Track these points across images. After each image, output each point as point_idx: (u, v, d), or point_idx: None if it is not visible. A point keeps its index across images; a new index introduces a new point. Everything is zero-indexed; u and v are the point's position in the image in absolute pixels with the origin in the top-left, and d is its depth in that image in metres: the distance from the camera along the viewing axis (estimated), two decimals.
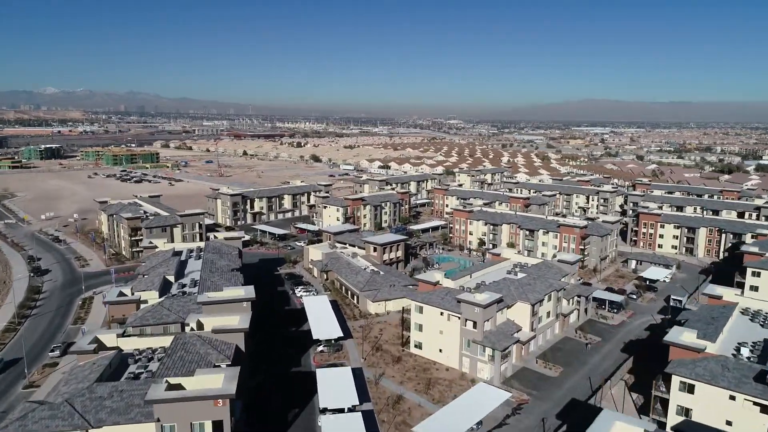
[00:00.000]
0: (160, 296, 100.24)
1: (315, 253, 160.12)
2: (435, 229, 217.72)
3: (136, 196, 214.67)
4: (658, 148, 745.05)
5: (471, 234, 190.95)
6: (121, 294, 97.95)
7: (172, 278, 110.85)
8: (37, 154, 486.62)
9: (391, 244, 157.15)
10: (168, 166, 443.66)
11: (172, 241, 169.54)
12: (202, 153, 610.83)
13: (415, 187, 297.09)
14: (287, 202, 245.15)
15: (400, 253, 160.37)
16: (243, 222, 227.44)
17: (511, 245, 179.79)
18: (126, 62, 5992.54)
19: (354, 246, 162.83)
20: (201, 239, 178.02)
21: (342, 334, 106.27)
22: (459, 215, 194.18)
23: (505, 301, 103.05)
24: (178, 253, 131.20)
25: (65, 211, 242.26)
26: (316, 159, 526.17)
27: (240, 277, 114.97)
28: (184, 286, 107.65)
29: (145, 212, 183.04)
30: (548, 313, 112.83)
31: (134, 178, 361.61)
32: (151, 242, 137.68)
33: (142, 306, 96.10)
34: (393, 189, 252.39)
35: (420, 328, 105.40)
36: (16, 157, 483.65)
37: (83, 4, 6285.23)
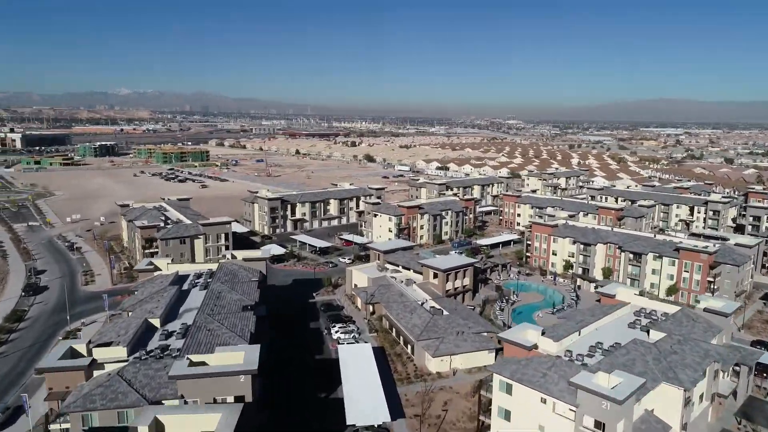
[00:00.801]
0: (130, 353, 69.02)
1: (360, 276, 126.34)
2: (506, 244, 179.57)
3: (164, 199, 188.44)
4: (747, 151, 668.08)
5: (555, 254, 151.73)
6: (71, 353, 66.94)
7: (157, 321, 79.58)
8: (91, 151, 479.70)
9: (455, 270, 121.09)
10: (217, 165, 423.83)
11: (192, 256, 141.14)
12: (254, 152, 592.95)
13: (479, 192, 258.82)
14: (333, 207, 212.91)
15: (467, 281, 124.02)
16: (282, 230, 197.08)
17: (607, 272, 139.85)
18: (193, 64, 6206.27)
19: (409, 269, 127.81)
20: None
21: (389, 418, 71.57)
22: (539, 230, 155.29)
23: (646, 385, 65.16)
24: (181, 279, 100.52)
25: (95, 213, 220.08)
26: (369, 159, 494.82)
27: (251, 321, 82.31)
28: (169, 335, 76.03)
29: (166, 219, 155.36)
30: (701, 396, 73.92)
31: (179, 177, 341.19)
32: (151, 263, 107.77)
33: (97, 374, 64.86)
34: (455, 195, 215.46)
35: (506, 415, 69.25)
36: (72, 155, 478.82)
37: (155, 10, 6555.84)
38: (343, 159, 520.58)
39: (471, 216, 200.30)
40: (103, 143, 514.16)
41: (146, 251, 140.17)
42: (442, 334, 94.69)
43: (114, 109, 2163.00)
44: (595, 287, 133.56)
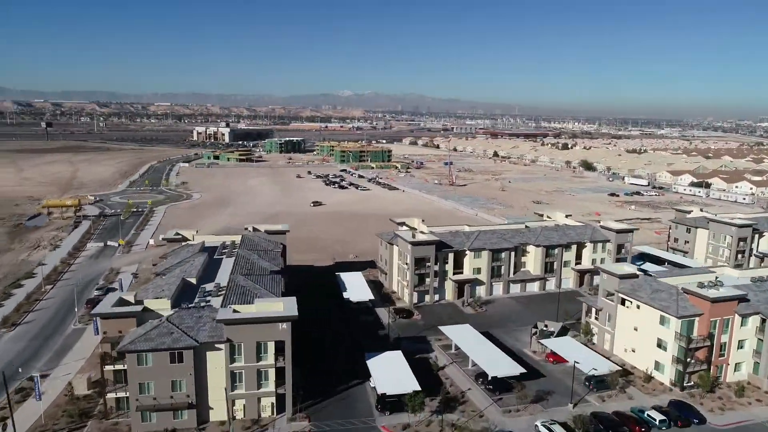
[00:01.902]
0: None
1: None
2: None
3: (248, 229, 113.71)
4: None
5: None
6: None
7: None
8: (277, 147, 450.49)
9: None
10: (396, 167, 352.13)
11: (199, 394, 60.62)
12: (446, 152, 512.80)
13: None
14: (532, 261, 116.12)
15: None
16: (436, 297, 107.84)
17: None
18: (406, 67, 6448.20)
19: None
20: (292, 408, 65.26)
21: None
22: None
23: None
24: None
25: (204, 231, 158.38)
26: (587, 166, 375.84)
27: None
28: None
29: (198, 283, 78.06)
30: None
31: (342, 183, 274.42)
32: None
33: None
34: None
35: None
36: (258, 150, 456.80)
37: (368, 20, 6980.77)
38: (552, 165, 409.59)
39: None
40: (290, 139, 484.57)
41: (107, 365, 63.36)
42: None
43: (336, 109, 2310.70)
44: None
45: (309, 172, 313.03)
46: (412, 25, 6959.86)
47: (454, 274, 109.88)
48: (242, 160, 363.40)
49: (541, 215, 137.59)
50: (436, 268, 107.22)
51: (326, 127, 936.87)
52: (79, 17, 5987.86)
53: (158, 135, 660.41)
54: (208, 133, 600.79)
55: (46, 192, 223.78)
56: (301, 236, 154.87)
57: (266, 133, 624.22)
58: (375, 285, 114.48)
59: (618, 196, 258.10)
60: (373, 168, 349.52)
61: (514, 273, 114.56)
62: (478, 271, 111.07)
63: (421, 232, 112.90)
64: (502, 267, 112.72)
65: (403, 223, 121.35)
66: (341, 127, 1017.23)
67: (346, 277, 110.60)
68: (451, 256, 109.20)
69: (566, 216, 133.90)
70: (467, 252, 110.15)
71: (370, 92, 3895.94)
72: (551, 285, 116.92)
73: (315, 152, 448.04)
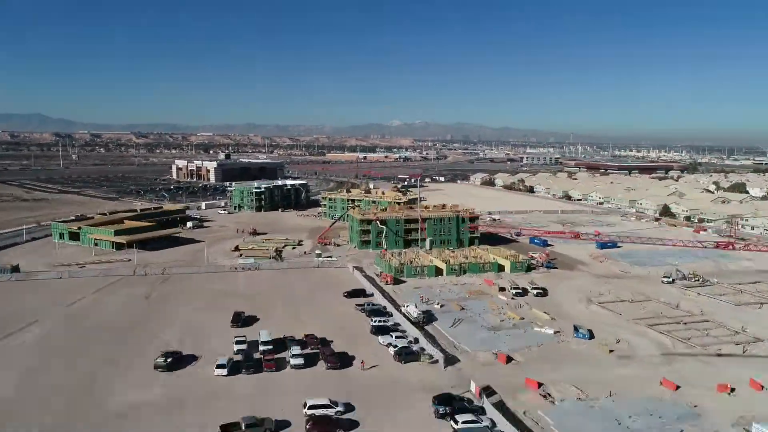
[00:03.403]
0: None
1: None
2: None
3: None
4: None
5: None
6: None
7: None
8: (251, 199, 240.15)
9: None
10: (518, 292, 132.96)
11: None
12: (555, 202, 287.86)
13: None
14: None
15: None
16: None
17: None
18: (455, 97, 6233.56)
19: None
20: None
21: None
22: None
23: None
24: None
25: None
26: None
27: None
28: None
29: None
30: None
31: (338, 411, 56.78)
32: None
33: None
34: None
35: None
36: (225, 202, 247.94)
37: (416, 52, 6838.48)
38: (745, 223, 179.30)
39: None
40: (284, 184, 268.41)
41: None
42: None
43: (385, 138, 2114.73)
44: None
45: (244, 319, 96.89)
46: (460, 54, 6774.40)
47: None
48: (134, 241, 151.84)
49: None
50: None
51: (365, 158, 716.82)
52: (143, 56, 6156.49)
53: (135, 171, 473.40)
54: (189, 168, 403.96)
55: None
56: None
57: (273, 167, 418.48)
58: None
59: None
60: (441, 285, 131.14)
61: None
62: None
63: None
64: None
65: None
66: (386, 157, 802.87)
67: None
68: None
69: None
70: None
71: (420, 122, 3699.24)
72: None
73: (319, 211, 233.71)
